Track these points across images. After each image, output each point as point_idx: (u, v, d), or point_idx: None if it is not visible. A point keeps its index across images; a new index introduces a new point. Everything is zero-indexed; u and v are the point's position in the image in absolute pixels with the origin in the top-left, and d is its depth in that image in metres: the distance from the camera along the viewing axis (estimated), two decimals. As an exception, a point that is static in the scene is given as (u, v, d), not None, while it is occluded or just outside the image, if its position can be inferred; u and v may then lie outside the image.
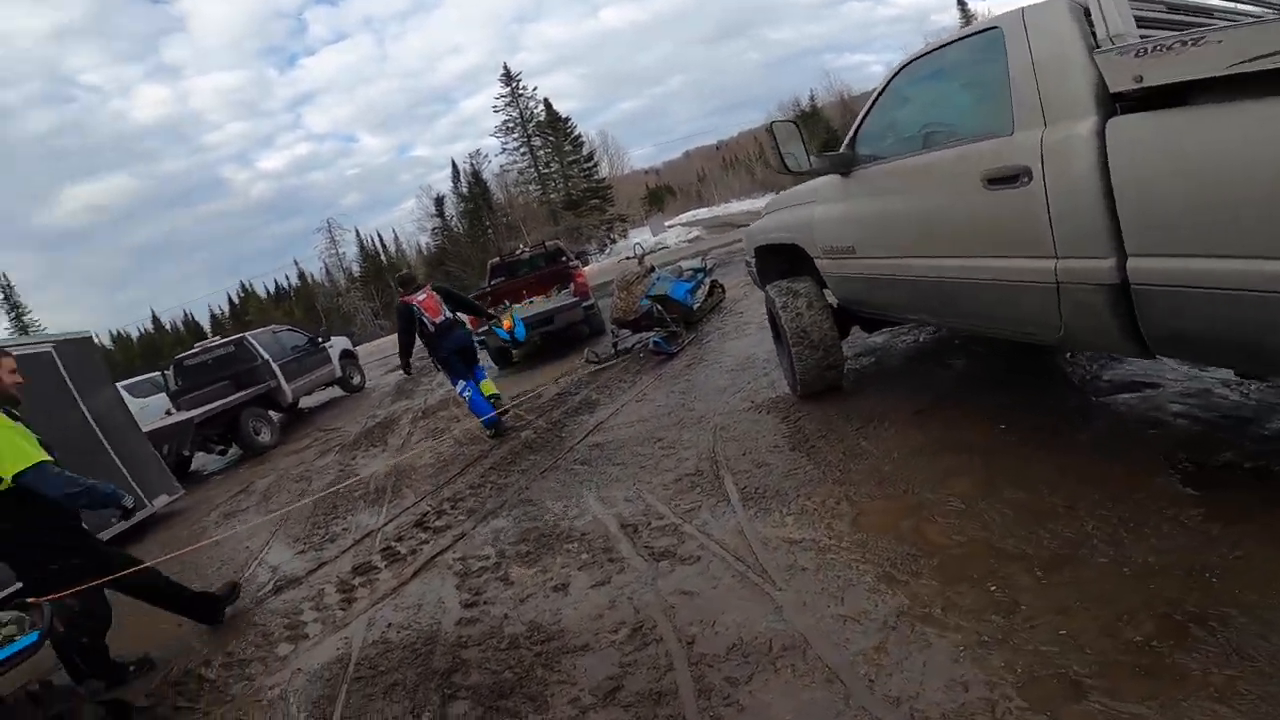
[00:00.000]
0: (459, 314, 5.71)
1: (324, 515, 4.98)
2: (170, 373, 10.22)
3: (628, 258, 7.78)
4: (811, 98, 40.04)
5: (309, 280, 41.50)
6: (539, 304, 9.30)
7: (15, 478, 2.63)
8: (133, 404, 9.99)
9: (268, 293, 43.37)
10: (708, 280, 7.99)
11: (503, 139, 36.97)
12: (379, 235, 42.78)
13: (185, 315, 43.14)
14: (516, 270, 10.52)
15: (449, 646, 2.67)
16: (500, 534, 3.66)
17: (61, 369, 5.66)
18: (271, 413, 9.57)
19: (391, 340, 23.84)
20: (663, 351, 6.18)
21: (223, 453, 8.40)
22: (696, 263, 7.98)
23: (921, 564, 2.22)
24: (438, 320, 5.50)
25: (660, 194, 57.10)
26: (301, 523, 4.94)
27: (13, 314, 37.60)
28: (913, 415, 3.48)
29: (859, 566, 2.34)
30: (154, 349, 35.95)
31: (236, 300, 43.09)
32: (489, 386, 5.78)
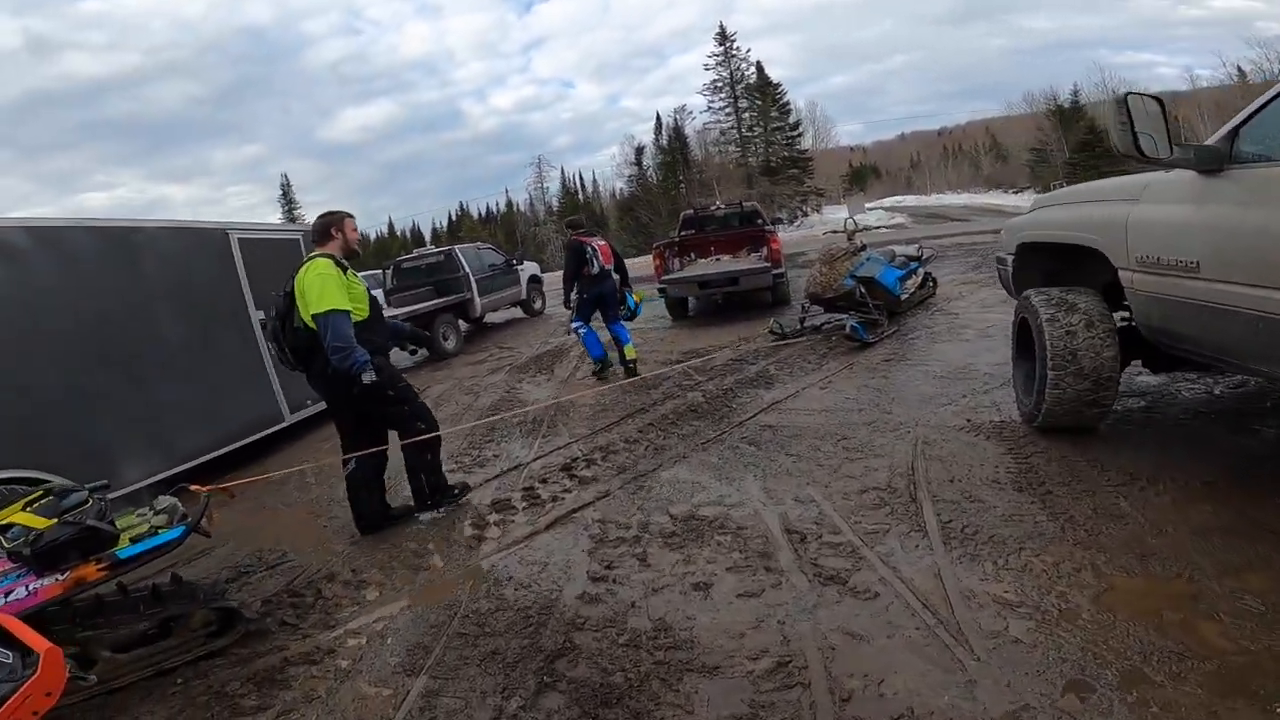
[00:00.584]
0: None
1: (480, 436, 5.03)
2: (389, 272, 11.25)
3: (834, 231, 6.97)
4: (1075, 93, 33.78)
5: (514, 209, 44.68)
6: (726, 262, 8.80)
7: (314, 317, 2.93)
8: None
9: (479, 214, 47.72)
10: (921, 271, 6.92)
11: (709, 97, 36.13)
12: (580, 175, 44.77)
13: (413, 225, 48.76)
14: (708, 225, 10.06)
15: (563, 623, 2.38)
16: (646, 502, 3.33)
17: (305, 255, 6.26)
18: (461, 322, 10.18)
19: None
20: (858, 339, 5.42)
21: (413, 353, 9.05)
22: (912, 249, 6.94)
23: (1188, 666, 1.72)
24: (608, 266, 5.66)
25: (864, 173, 52.83)
26: (459, 439, 5.02)
27: (286, 208, 44.81)
28: (1200, 485, 2.62)
29: (1095, 653, 1.81)
30: (385, 250, 41.25)
31: (454, 218, 47.83)
32: (631, 351, 5.87)
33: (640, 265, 12.29)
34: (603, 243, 5.75)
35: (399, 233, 49.61)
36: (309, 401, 5.96)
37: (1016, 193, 33.68)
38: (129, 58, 70.00)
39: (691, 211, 10.31)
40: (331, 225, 3.20)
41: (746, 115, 35.76)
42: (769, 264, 7.69)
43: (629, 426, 4.61)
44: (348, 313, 2.98)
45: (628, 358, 5.79)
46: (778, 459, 3.59)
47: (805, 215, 33.52)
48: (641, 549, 2.83)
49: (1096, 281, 3.30)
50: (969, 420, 3.67)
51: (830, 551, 2.54)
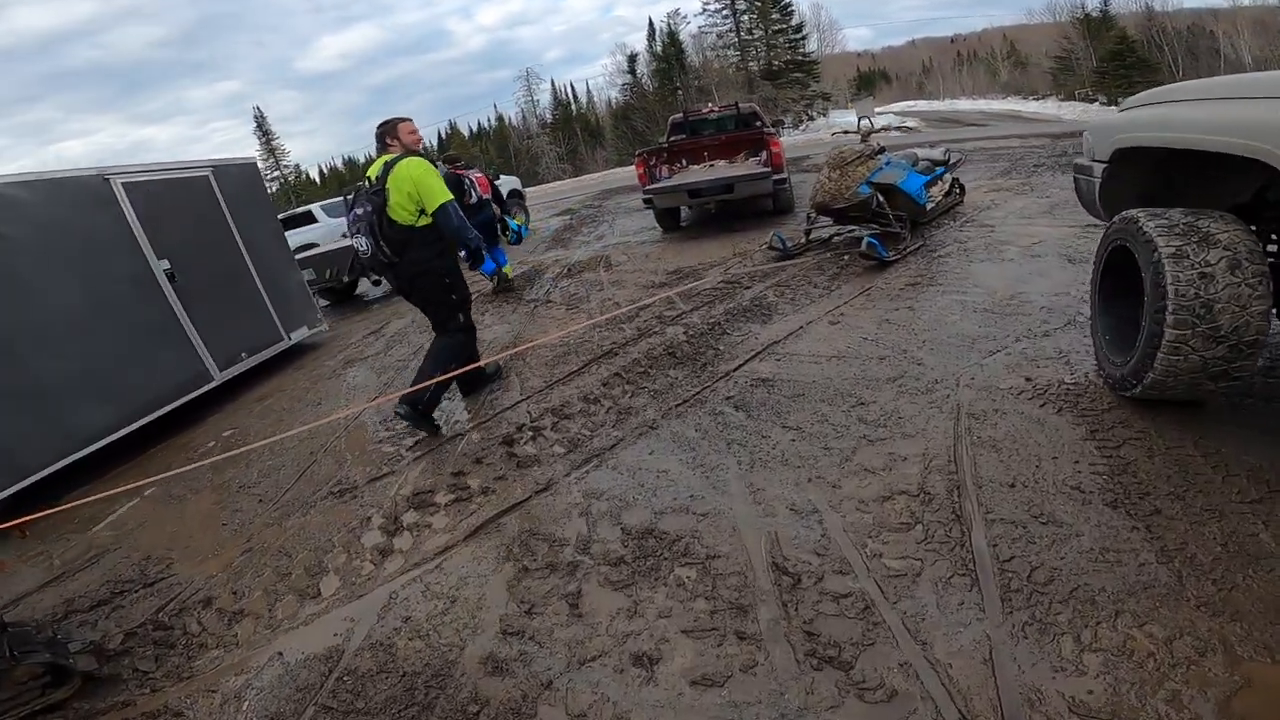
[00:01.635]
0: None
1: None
2: (350, 198, 9.98)
3: (845, 133, 5.70)
4: (1105, 3, 30.07)
5: (506, 123, 41.73)
6: (720, 169, 7.51)
7: (437, 210, 3.11)
8: (328, 223, 10.06)
9: (470, 132, 44.74)
10: (948, 176, 5.69)
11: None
12: (572, 87, 41.31)
13: (364, 175, 45.87)
14: (701, 129, 8.68)
15: (455, 708, 1.57)
16: (593, 504, 2.43)
17: (217, 193, 5.21)
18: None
19: (568, 184, 23.53)
20: (877, 256, 4.33)
21: (377, 283, 8.02)
22: (938, 153, 5.66)
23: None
24: (485, 196, 5.95)
25: (873, 78, 49.00)
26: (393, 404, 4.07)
27: (264, 140, 41.87)
28: None
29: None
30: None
31: (444, 137, 44.82)
32: (508, 270, 6.18)
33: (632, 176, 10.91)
34: (479, 175, 6.06)
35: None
36: (243, 355, 5.06)
37: (1039, 99, 30.97)
38: (82, 7, 64.43)
39: (681, 115, 8.87)
40: (387, 134, 3.26)
41: (745, 18, 32.31)
42: (768, 169, 6.43)
43: (592, 377, 3.65)
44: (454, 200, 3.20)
45: (506, 275, 6.17)
46: (771, 436, 2.64)
47: (811, 119, 30.92)
48: (576, 585, 1.98)
49: (1222, 205, 2.28)
50: (1028, 379, 2.68)
51: (833, 608, 1.68)
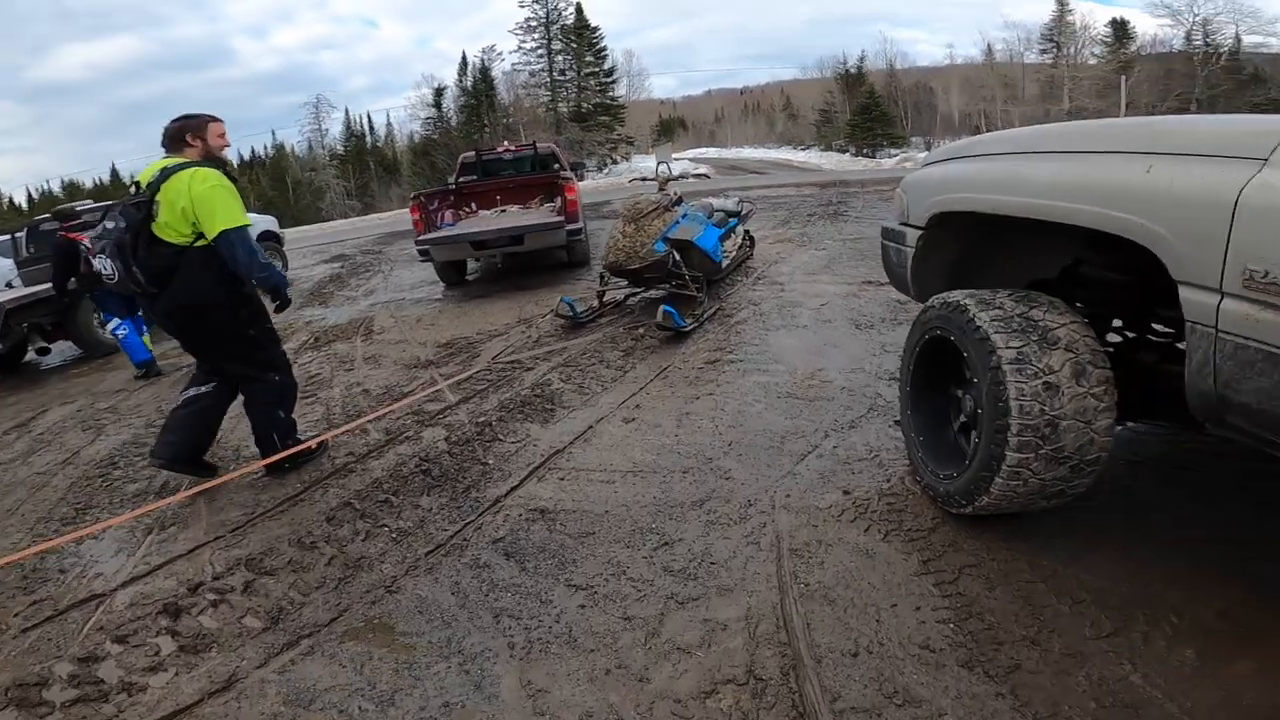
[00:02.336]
0: None
1: (68, 512, 2.75)
2: (24, 237, 7.44)
3: (643, 179, 5.29)
4: (861, 60, 35.72)
5: (289, 152, 36.96)
6: (512, 215, 6.75)
7: (219, 236, 2.46)
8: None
9: (241, 159, 38.71)
10: (740, 229, 5.54)
11: (521, 36, 32.17)
12: (369, 118, 37.93)
13: (132, 181, 38.26)
14: (494, 170, 7.88)
15: None
16: (299, 717, 1.43)
17: None
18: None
19: (347, 225, 20.86)
20: (674, 327, 3.82)
21: (42, 352, 5.81)
22: (731, 203, 5.50)
23: None
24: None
25: (672, 125, 52.52)
26: (24, 523, 2.60)
27: None
28: (1216, 618, 1.54)
29: None
30: (105, 198, 31.88)
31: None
32: (147, 340, 4.90)
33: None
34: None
35: (126, 178, 38.80)
36: None
37: (805, 149, 35.31)
38: None
39: (473, 154, 8.00)
40: (185, 132, 2.57)
41: (560, 58, 32.62)
42: (562, 218, 5.81)
43: (313, 509, 2.58)
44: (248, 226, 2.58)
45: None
46: (554, 600, 1.89)
47: (615, 163, 31.85)
48: None
49: (1021, 280, 2.06)
50: (846, 493, 2.25)
51: None
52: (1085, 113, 29.21)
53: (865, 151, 30.19)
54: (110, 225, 2.49)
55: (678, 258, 4.16)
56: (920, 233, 2.18)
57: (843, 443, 2.61)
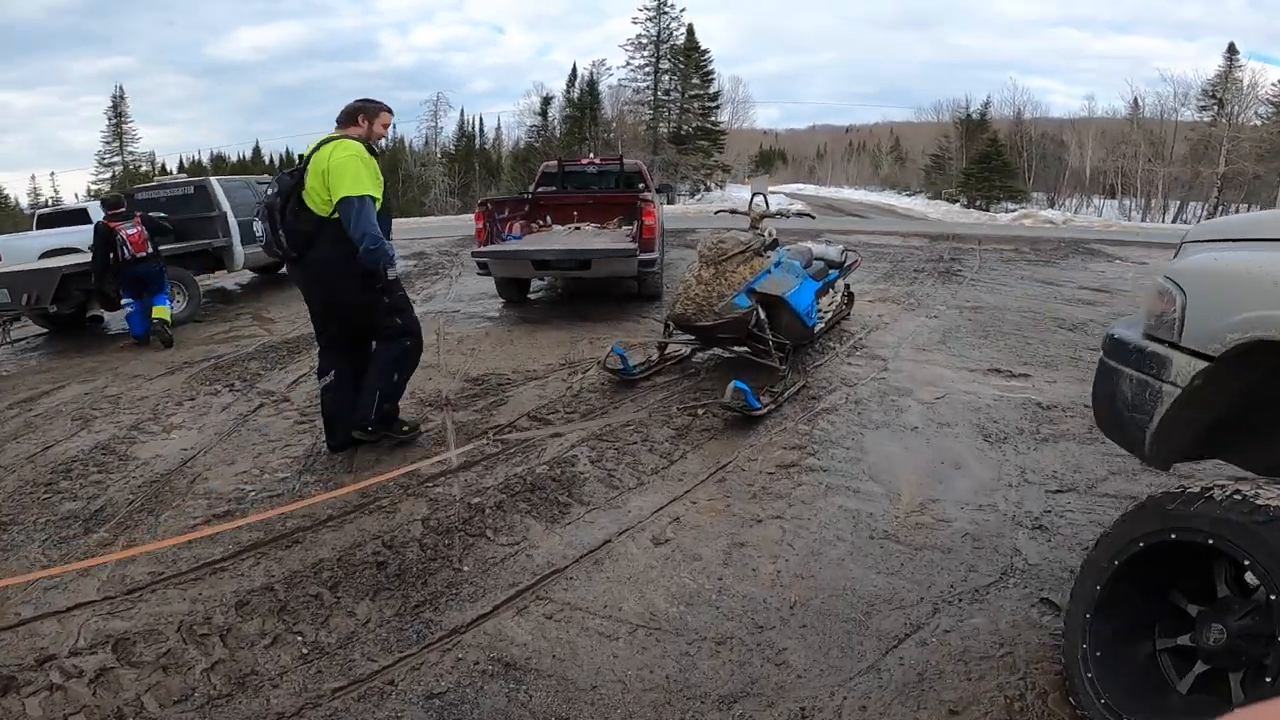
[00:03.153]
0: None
1: None
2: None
3: (732, 211, 4.46)
4: (985, 105, 33.21)
5: (407, 146, 38.89)
6: (584, 235, 6.12)
7: (340, 201, 2.52)
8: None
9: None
10: (841, 283, 4.62)
11: (630, 53, 32.29)
12: (481, 120, 39.37)
13: (285, 151, 41.46)
14: (576, 183, 7.32)
15: None
16: None
17: None
18: (206, 278, 6.93)
19: (439, 221, 21.19)
20: (743, 408, 2.96)
21: (96, 320, 5.79)
22: (834, 251, 4.56)
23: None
24: (140, 254, 5.22)
25: (772, 156, 51.55)
26: None
27: (114, 122, 35.80)
28: None
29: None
30: (244, 172, 34.93)
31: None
32: (163, 311, 5.30)
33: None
34: (134, 231, 5.22)
35: (266, 158, 42.07)
36: None
37: (910, 195, 33.31)
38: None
39: (555, 164, 7.48)
40: (360, 112, 2.75)
41: (666, 77, 32.54)
42: (635, 245, 5.10)
43: (227, 585, 1.95)
44: (376, 201, 2.61)
45: (155, 316, 5.23)
46: None
47: (708, 189, 31.11)
48: None
49: None
50: (956, 716, 1.34)
51: None
52: (1243, 177, 25.77)
53: (978, 203, 27.95)
54: (269, 191, 2.69)
55: (762, 316, 3.31)
56: (1206, 365, 1.25)
57: (959, 624, 1.72)
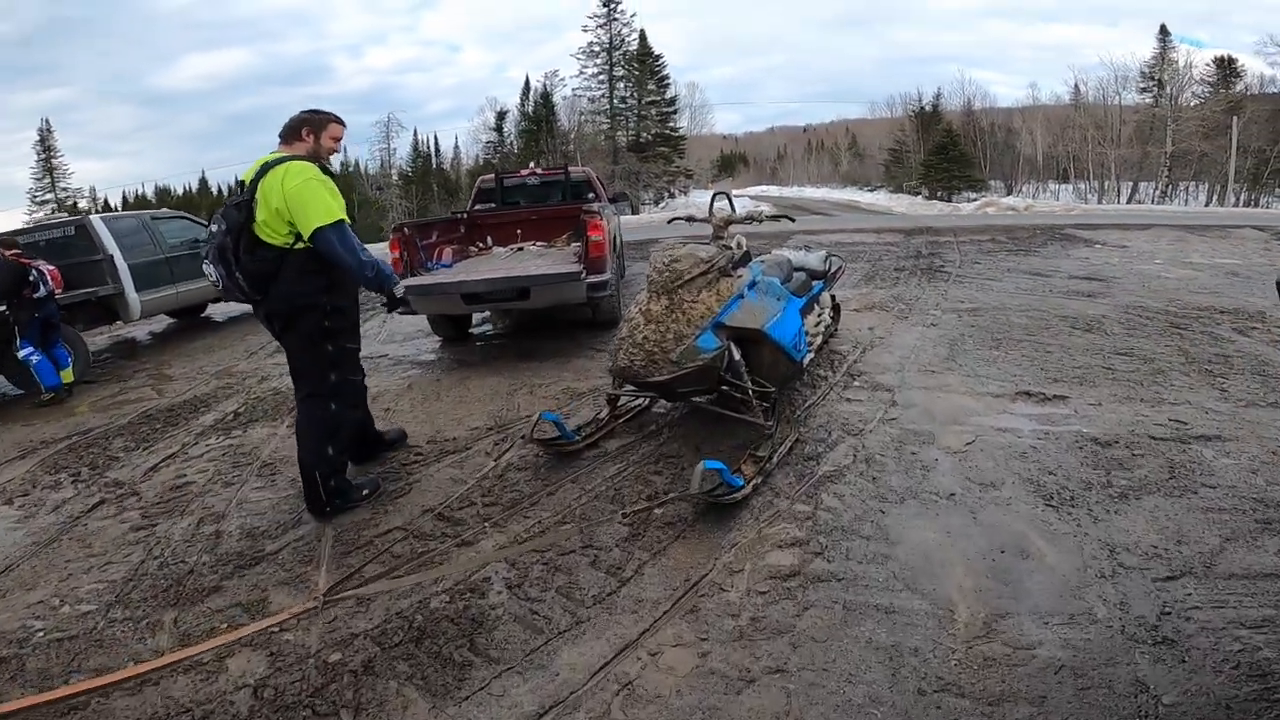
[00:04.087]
0: None
1: None
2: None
3: (689, 219, 3.64)
4: (937, 98, 33.21)
5: (362, 170, 37.60)
6: (527, 256, 5.28)
7: (315, 234, 2.24)
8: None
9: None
10: (826, 296, 3.84)
11: (583, 61, 31.59)
12: (436, 140, 38.28)
13: (236, 180, 40.14)
14: (516, 198, 6.49)
15: None
16: None
17: None
18: (88, 332, 5.92)
19: (382, 246, 19.57)
20: (724, 491, 2.13)
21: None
22: (814, 258, 3.75)
23: None
24: (58, 291, 4.85)
25: (733, 160, 51.37)
26: None
27: (43, 156, 34.18)
28: None
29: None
30: (190, 206, 33.38)
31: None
32: (68, 374, 4.76)
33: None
34: (51, 267, 4.84)
35: (214, 188, 40.47)
36: None
37: (873, 190, 33.17)
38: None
39: (493, 176, 6.62)
40: (304, 125, 2.43)
41: (621, 85, 31.88)
42: (580, 267, 4.26)
43: None
44: (345, 222, 2.34)
45: (64, 381, 4.72)
46: None
47: (672, 196, 30.44)
48: None
49: None
50: None
51: None
52: (1190, 155, 26.10)
53: (940, 195, 27.81)
54: (215, 229, 2.37)
55: (736, 357, 2.48)
56: None
57: None
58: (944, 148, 28.51)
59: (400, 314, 4.80)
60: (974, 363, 3.65)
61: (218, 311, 7.71)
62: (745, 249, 2.70)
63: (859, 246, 9.40)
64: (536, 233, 6.11)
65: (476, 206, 6.35)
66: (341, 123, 2.50)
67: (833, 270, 3.85)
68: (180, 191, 39.54)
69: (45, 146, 34.42)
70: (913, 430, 2.77)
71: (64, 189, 34.40)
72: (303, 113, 2.46)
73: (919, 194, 28.82)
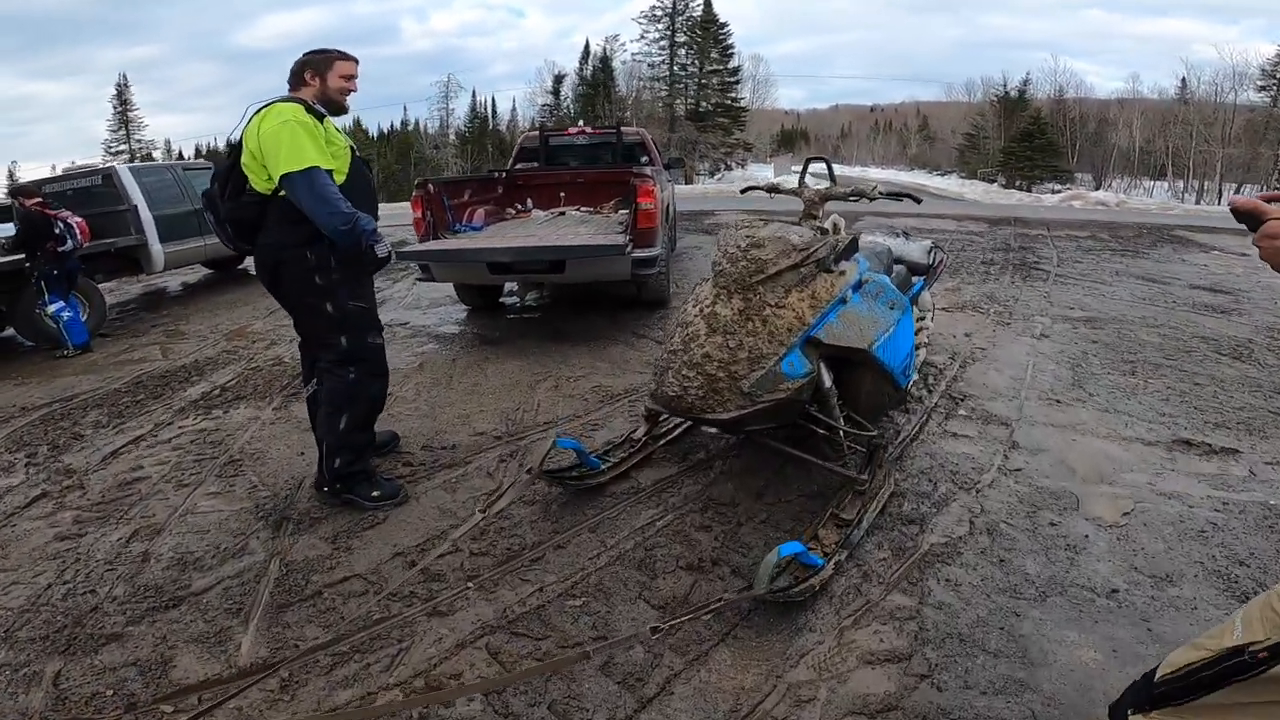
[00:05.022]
0: None
1: None
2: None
3: (772, 189, 2.57)
4: (1025, 83, 30.35)
5: (422, 129, 37.53)
6: (565, 225, 4.65)
7: (282, 179, 1.95)
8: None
9: (380, 132, 40.08)
10: (927, 295, 3.09)
11: (644, 25, 30.25)
12: (493, 100, 37.74)
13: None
14: (561, 158, 5.85)
15: None
16: None
17: None
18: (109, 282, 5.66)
19: None
20: (801, 574, 1.49)
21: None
22: (917, 250, 2.90)
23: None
24: (85, 244, 4.62)
25: (794, 136, 49.12)
26: None
27: (119, 109, 34.99)
28: None
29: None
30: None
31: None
32: None
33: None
34: (80, 219, 4.52)
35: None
36: None
37: (943, 175, 30.96)
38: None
39: (536, 134, 5.99)
40: (307, 68, 2.12)
41: (683, 51, 30.37)
42: (625, 239, 3.62)
43: None
44: (329, 172, 2.01)
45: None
46: None
47: (729, 169, 29.10)
48: None
49: None
50: None
51: None
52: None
53: (1019, 183, 25.66)
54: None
55: (827, 383, 1.80)
56: None
57: None
58: (1029, 135, 26.19)
59: (418, 280, 4.30)
60: (1108, 393, 2.87)
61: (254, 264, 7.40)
62: (853, 235, 1.99)
63: (938, 234, 8.39)
64: (581, 197, 5.49)
65: (518, 165, 5.76)
66: (350, 58, 2.19)
67: (935, 263, 3.08)
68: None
69: (122, 100, 35.47)
70: (1047, 489, 2.06)
71: (138, 140, 35.62)
72: (305, 54, 2.18)
73: (995, 181, 26.67)
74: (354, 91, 2.22)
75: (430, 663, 1.45)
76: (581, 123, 7.32)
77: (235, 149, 2.10)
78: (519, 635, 1.53)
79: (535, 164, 5.76)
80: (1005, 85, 30.58)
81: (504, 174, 5.37)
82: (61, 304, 4.38)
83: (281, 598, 1.67)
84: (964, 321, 4.00)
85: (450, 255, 3.71)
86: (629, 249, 3.58)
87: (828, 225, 1.98)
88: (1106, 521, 1.90)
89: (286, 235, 2.05)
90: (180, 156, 38.32)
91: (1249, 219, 0.86)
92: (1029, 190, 23.88)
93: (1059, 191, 21.73)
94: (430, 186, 4.08)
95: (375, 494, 2.15)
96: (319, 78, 2.13)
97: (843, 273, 1.81)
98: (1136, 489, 2.07)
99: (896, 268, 2.63)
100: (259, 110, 2.05)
